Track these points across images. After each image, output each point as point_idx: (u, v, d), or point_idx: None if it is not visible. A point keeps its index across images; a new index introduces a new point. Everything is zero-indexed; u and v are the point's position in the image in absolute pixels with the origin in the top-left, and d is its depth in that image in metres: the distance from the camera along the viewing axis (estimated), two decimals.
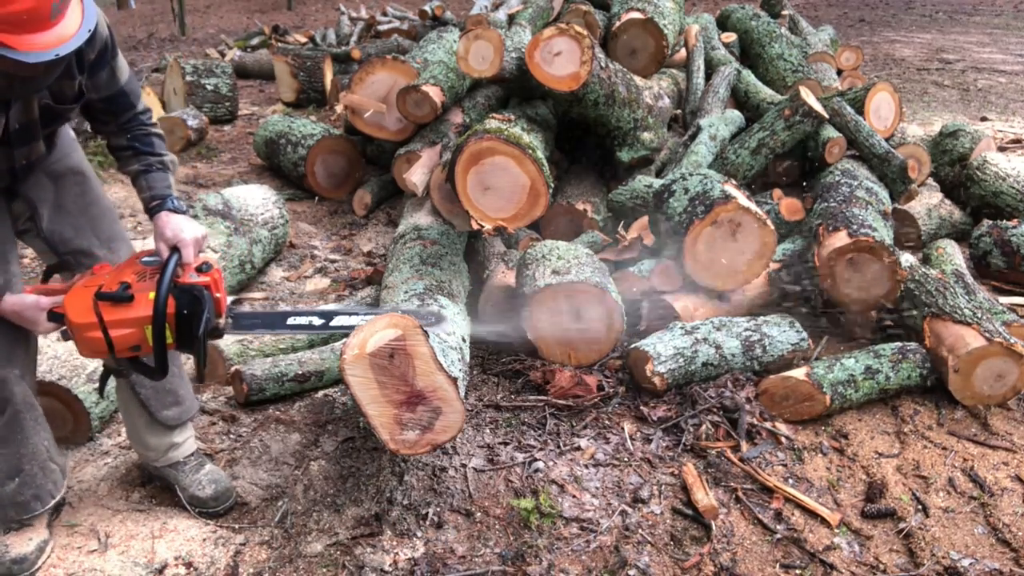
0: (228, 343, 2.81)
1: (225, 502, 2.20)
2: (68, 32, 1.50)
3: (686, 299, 3.06)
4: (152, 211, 1.92)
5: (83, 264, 1.97)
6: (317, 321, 2.06)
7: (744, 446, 2.45)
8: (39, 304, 1.79)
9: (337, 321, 2.03)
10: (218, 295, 1.87)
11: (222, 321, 1.92)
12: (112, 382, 2.14)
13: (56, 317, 1.79)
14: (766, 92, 4.71)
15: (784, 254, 3.28)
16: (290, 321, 2.06)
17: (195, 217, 3.28)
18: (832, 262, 2.96)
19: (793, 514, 2.21)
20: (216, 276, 1.86)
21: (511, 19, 4.95)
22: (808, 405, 2.58)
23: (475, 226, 2.87)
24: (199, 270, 1.84)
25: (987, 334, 2.64)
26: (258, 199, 3.68)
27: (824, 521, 2.18)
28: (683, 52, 5.19)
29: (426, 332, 2.00)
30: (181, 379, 2.19)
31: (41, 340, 2.45)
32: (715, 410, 2.58)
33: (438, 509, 2.19)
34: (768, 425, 2.53)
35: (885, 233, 3.12)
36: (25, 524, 1.99)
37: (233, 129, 6.32)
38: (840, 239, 2.97)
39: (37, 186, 1.95)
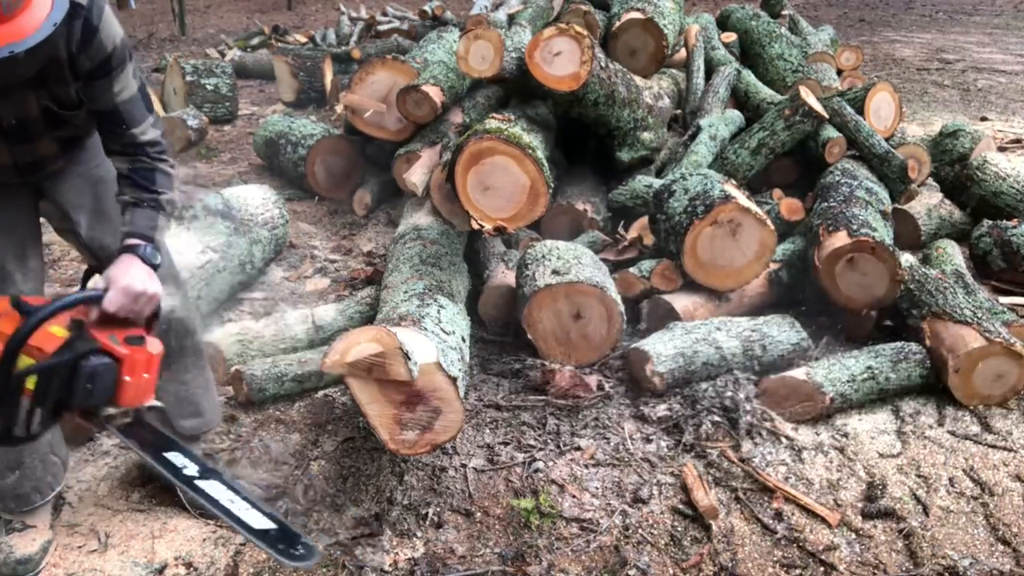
0: (228, 343, 2.81)
1: None
2: (28, 27, 1.37)
3: (686, 299, 3.06)
4: (121, 250, 1.72)
5: None
6: (192, 470, 1.64)
7: (744, 446, 2.45)
8: None
9: (206, 488, 1.60)
10: (128, 379, 1.52)
11: (114, 411, 1.56)
12: None
13: None
14: (766, 92, 4.71)
15: (784, 254, 3.29)
16: (169, 456, 1.64)
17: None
18: (832, 262, 2.96)
19: (793, 514, 2.21)
20: (141, 357, 1.54)
21: (511, 19, 4.94)
22: (808, 405, 2.58)
23: (475, 226, 2.86)
24: (128, 341, 1.53)
25: (987, 334, 2.64)
26: (258, 199, 3.67)
27: (824, 521, 2.18)
28: (683, 52, 5.19)
29: (407, 355, 1.97)
30: (206, 391, 2.18)
31: None
32: (715, 410, 2.57)
33: (438, 509, 2.19)
34: (768, 425, 2.53)
35: (885, 233, 3.12)
36: (28, 524, 1.99)
37: (233, 129, 6.32)
38: (840, 239, 2.97)
39: (73, 191, 1.91)
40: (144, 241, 1.73)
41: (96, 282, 1.62)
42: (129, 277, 1.62)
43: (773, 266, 3.22)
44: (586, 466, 2.37)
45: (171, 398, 2.10)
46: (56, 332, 1.49)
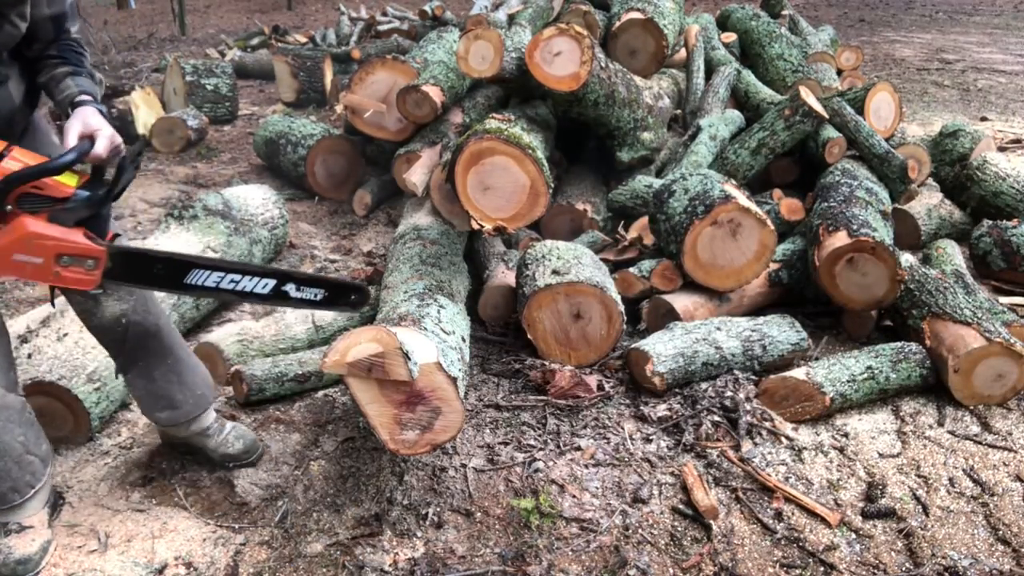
0: (228, 343, 2.81)
1: (255, 453, 2.36)
2: None
3: (686, 299, 3.06)
4: (76, 104, 1.77)
5: None
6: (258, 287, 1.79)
7: (744, 446, 2.45)
8: None
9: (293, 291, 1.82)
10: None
11: (102, 246, 1.69)
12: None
13: None
14: (766, 92, 4.71)
15: (784, 254, 3.29)
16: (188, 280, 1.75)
17: (195, 218, 3.28)
18: (832, 262, 2.96)
19: (793, 514, 2.21)
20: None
21: (511, 19, 4.95)
22: (808, 405, 2.58)
23: (475, 226, 2.86)
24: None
25: (987, 334, 2.64)
26: (258, 199, 3.68)
27: (824, 521, 2.18)
28: (683, 52, 5.19)
29: (407, 355, 1.98)
30: (180, 383, 2.20)
31: (42, 340, 2.46)
32: (715, 410, 2.58)
33: (438, 509, 2.19)
34: (768, 425, 2.53)
35: (885, 233, 3.12)
36: (26, 525, 1.99)
37: (233, 129, 6.32)
38: (840, 239, 2.97)
39: None
40: (97, 102, 1.79)
41: (70, 133, 1.71)
42: (107, 127, 1.72)
43: (773, 266, 3.22)
44: (586, 466, 2.37)
45: (142, 393, 2.19)
46: (65, 181, 1.64)
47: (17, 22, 1.72)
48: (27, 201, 1.59)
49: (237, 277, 1.76)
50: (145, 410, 2.24)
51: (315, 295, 1.87)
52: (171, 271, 1.73)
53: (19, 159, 1.60)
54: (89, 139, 1.70)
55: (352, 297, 1.92)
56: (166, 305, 2.79)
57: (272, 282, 1.79)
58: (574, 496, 2.25)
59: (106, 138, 1.71)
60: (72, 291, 1.99)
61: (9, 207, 1.57)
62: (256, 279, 1.77)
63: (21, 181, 1.56)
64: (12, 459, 1.94)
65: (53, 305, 1.96)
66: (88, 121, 1.72)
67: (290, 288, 1.83)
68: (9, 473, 1.94)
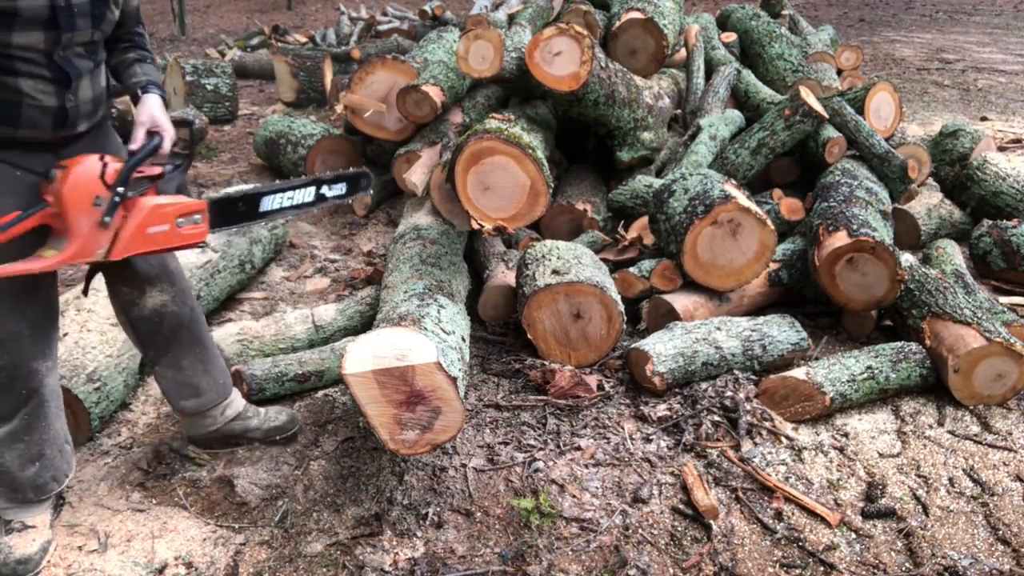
0: (228, 343, 2.81)
1: (296, 425, 2.49)
2: None
3: (686, 299, 3.06)
4: (144, 90, 2.00)
5: (122, 265, 1.98)
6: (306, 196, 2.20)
7: (744, 446, 2.45)
8: None
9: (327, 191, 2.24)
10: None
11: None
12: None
13: None
14: (766, 92, 4.71)
15: (784, 254, 3.29)
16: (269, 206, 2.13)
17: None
18: (832, 262, 2.96)
19: (793, 514, 2.21)
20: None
21: (511, 19, 4.95)
22: (808, 405, 2.58)
23: (475, 226, 2.86)
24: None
25: (987, 334, 2.64)
26: None
27: (824, 521, 2.18)
28: (683, 52, 5.19)
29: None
30: (205, 372, 2.26)
31: None
32: (715, 410, 2.58)
33: (438, 509, 2.19)
34: (768, 425, 2.53)
35: (885, 233, 3.12)
36: (28, 525, 2.00)
37: (233, 129, 6.32)
38: (840, 239, 2.97)
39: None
40: (159, 89, 2.03)
41: (140, 129, 1.98)
42: (168, 124, 1.98)
43: (773, 266, 3.23)
44: (586, 466, 2.37)
45: (170, 384, 2.24)
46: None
47: (114, 8, 1.88)
48: (134, 186, 1.86)
49: (291, 194, 2.15)
50: (172, 401, 2.29)
51: (342, 190, 2.26)
52: (250, 204, 2.08)
53: (117, 160, 1.87)
54: (158, 135, 1.94)
55: (362, 182, 2.33)
56: None
57: (313, 189, 2.19)
58: (574, 496, 2.25)
59: (169, 137, 1.96)
60: (116, 283, 2.09)
61: (129, 193, 1.83)
62: (303, 190, 2.17)
63: (130, 172, 1.84)
64: (57, 447, 2.00)
65: (86, 294, 2.17)
66: (155, 117, 1.96)
67: (325, 190, 2.22)
68: (53, 461, 2.00)
